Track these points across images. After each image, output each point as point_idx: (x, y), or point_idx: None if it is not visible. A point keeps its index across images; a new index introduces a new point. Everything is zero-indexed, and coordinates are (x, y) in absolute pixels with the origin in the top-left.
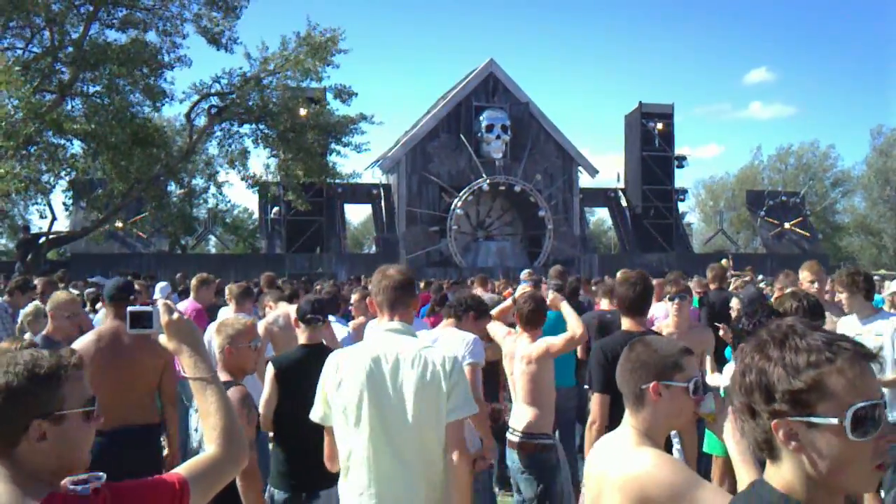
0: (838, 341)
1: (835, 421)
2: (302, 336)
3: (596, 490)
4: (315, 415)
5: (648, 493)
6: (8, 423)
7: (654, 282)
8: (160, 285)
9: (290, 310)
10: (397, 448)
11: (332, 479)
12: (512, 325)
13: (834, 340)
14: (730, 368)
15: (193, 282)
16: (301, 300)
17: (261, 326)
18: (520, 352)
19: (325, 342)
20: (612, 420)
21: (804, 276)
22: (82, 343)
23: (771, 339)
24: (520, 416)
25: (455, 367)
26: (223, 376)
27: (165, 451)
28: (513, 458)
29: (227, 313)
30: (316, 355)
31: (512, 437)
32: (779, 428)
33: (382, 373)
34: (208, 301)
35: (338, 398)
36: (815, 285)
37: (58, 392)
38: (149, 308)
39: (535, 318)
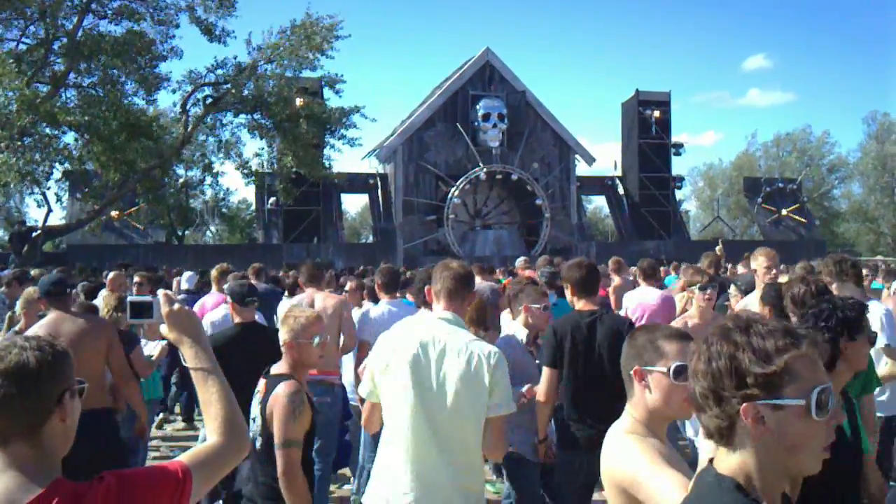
0: (795, 330)
1: (802, 402)
2: (237, 316)
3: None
4: (363, 390)
5: (618, 479)
6: (40, 401)
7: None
8: (186, 275)
9: (318, 297)
10: (436, 432)
11: None
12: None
13: (790, 329)
14: None
15: (214, 273)
16: (233, 283)
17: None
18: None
19: (256, 320)
20: (584, 403)
21: (759, 262)
22: (41, 329)
23: (736, 328)
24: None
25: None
26: (281, 368)
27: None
28: None
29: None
30: (250, 332)
31: None
32: (748, 411)
33: (429, 359)
34: None
35: (384, 379)
36: (772, 272)
37: (73, 368)
38: (149, 298)
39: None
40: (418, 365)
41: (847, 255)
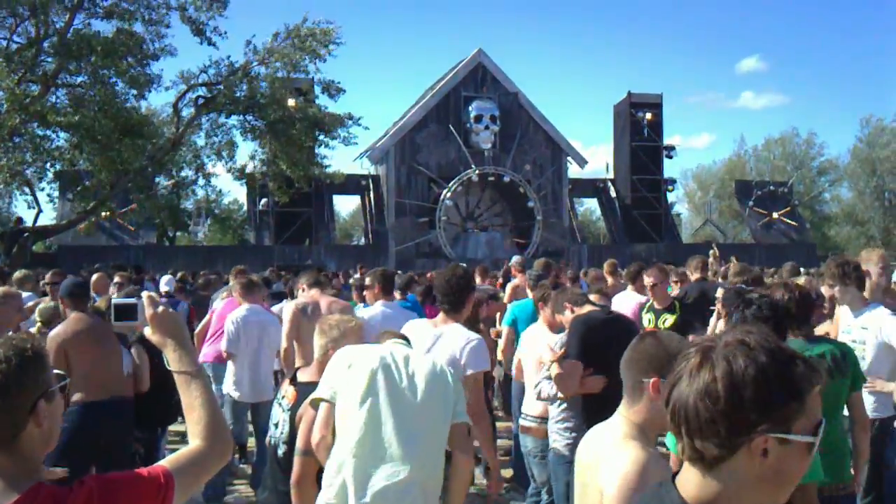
0: (810, 359)
1: (812, 439)
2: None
3: (585, 477)
4: (322, 392)
5: (625, 491)
6: (16, 409)
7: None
8: (165, 278)
9: (323, 301)
10: (404, 424)
11: None
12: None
13: (806, 358)
14: None
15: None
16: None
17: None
18: (543, 338)
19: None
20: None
21: (873, 262)
22: (64, 326)
23: (760, 348)
24: (534, 402)
25: (456, 378)
26: (312, 376)
27: None
28: (526, 444)
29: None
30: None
31: (524, 422)
32: (759, 445)
33: (395, 358)
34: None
35: (347, 375)
36: (886, 273)
37: (48, 371)
38: (133, 300)
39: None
40: (385, 362)
41: (850, 257)
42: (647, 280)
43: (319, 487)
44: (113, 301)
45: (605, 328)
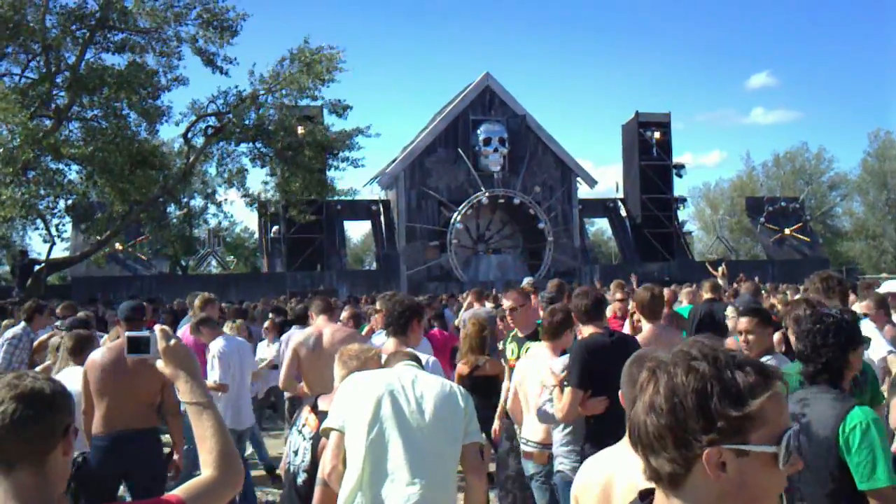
0: (764, 364)
1: (773, 448)
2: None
3: (601, 498)
4: (332, 421)
5: None
6: (52, 428)
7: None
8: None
9: (326, 330)
10: (413, 447)
11: None
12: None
13: (759, 363)
14: None
15: (197, 302)
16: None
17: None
18: (543, 362)
19: None
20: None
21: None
22: (95, 355)
23: (702, 356)
24: (535, 427)
25: (468, 399)
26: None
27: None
28: (528, 469)
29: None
30: None
31: (526, 447)
32: (712, 457)
33: (402, 383)
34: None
35: (355, 407)
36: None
37: (74, 406)
38: (146, 334)
39: (559, 329)
40: (391, 387)
41: (833, 272)
42: (505, 303)
43: None
44: (126, 334)
45: (606, 352)
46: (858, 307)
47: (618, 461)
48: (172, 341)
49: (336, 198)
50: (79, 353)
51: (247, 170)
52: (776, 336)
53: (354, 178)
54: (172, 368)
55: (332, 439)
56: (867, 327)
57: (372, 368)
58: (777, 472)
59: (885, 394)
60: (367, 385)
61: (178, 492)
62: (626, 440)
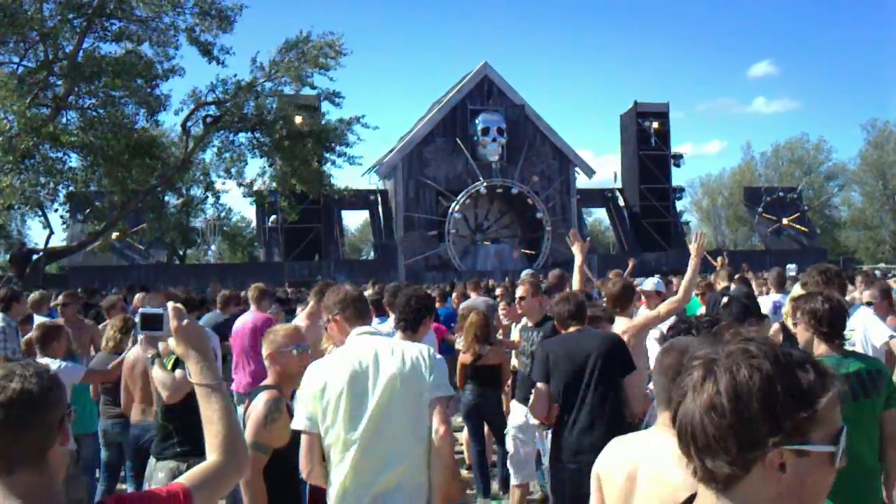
0: (822, 363)
1: (832, 448)
2: None
3: (626, 486)
4: (299, 423)
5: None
6: (49, 425)
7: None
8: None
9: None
10: (379, 432)
11: None
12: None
13: (818, 362)
14: None
15: (252, 293)
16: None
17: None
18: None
19: None
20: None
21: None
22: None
23: (763, 355)
24: None
25: (433, 354)
26: (268, 381)
27: None
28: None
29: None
30: None
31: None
32: (776, 459)
33: (364, 367)
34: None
35: (322, 400)
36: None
37: (66, 394)
38: (160, 311)
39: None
40: (355, 374)
41: (831, 265)
42: (519, 291)
43: (293, 491)
44: (140, 310)
45: (563, 347)
46: (863, 296)
47: (645, 448)
48: (185, 321)
49: (332, 194)
50: (46, 345)
51: (245, 161)
52: (774, 326)
53: (352, 177)
54: (183, 348)
55: (303, 441)
56: (867, 315)
57: (292, 343)
58: (831, 471)
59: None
60: (328, 375)
61: (183, 479)
62: (656, 429)
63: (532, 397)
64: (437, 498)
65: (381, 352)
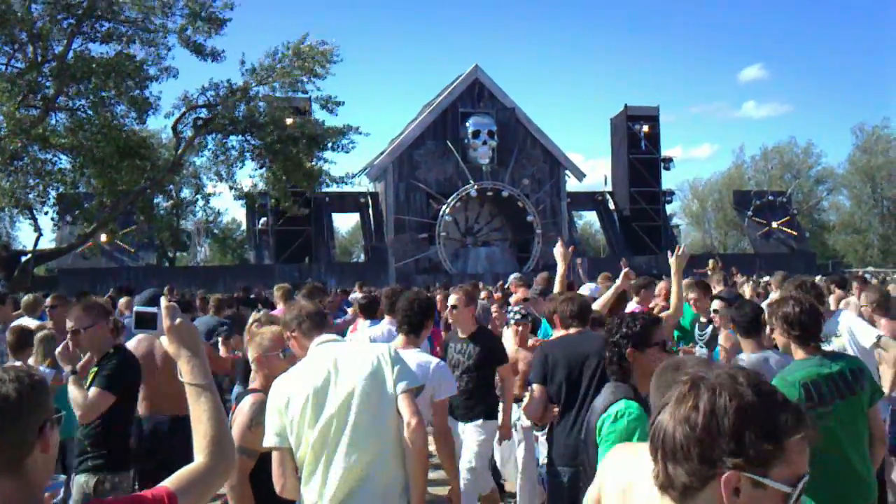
0: (801, 407)
1: (788, 490)
2: None
3: (620, 499)
4: (269, 441)
5: None
6: (23, 434)
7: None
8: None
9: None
10: (356, 439)
11: None
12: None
13: (797, 406)
14: None
15: (277, 293)
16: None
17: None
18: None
19: None
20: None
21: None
22: (139, 342)
23: (748, 385)
24: None
25: (393, 351)
26: (254, 384)
27: None
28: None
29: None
30: None
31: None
32: (730, 481)
33: (326, 376)
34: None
35: (287, 415)
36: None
37: (51, 397)
38: (154, 309)
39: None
40: (316, 384)
41: (806, 277)
42: (518, 295)
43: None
44: (135, 308)
45: (562, 348)
46: (861, 301)
47: (644, 464)
48: (178, 320)
49: (326, 189)
50: (19, 349)
51: (243, 163)
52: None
53: (345, 167)
54: (175, 347)
55: (274, 458)
56: (851, 317)
57: (279, 346)
58: None
59: (881, 374)
60: (290, 389)
61: (168, 483)
62: None
63: (527, 398)
64: (414, 491)
65: (340, 358)
